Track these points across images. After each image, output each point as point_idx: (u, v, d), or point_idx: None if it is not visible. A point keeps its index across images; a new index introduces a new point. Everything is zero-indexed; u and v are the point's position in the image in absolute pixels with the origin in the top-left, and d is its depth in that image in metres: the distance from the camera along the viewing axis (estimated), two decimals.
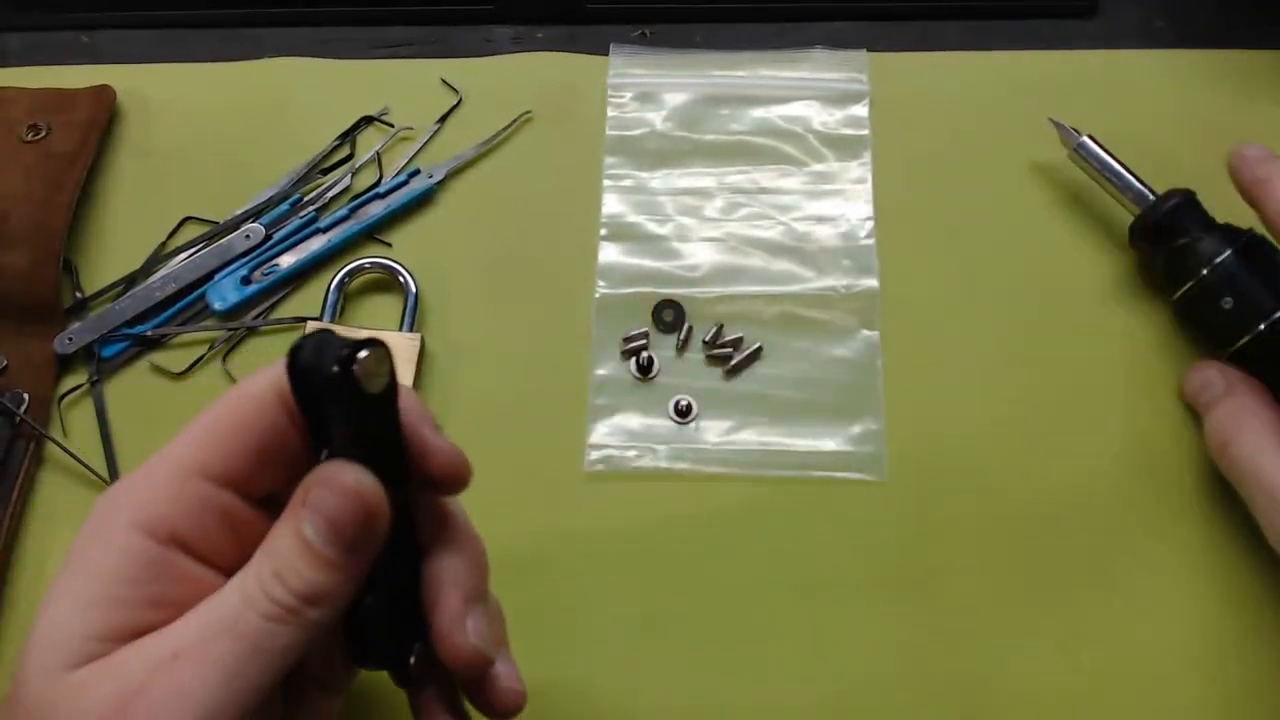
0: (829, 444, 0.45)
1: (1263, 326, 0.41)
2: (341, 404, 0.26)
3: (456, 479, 0.30)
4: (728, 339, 0.47)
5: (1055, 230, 0.49)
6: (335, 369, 0.25)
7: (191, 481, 0.28)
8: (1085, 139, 0.46)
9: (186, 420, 0.46)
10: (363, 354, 0.25)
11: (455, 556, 0.30)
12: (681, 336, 0.47)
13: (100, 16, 0.56)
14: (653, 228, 0.50)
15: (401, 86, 0.53)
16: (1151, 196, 0.45)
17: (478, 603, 0.30)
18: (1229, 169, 0.42)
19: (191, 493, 0.27)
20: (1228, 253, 0.42)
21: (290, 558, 0.26)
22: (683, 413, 0.46)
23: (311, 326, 0.47)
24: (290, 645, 0.26)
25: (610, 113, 0.53)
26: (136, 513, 0.27)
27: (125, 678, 0.25)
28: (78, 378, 0.47)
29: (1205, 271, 0.42)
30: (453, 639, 0.29)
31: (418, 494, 0.30)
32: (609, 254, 0.49)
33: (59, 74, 0.54)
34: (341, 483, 0.26)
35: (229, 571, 0.28)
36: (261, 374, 0.29)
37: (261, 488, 0.29)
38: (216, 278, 0.49)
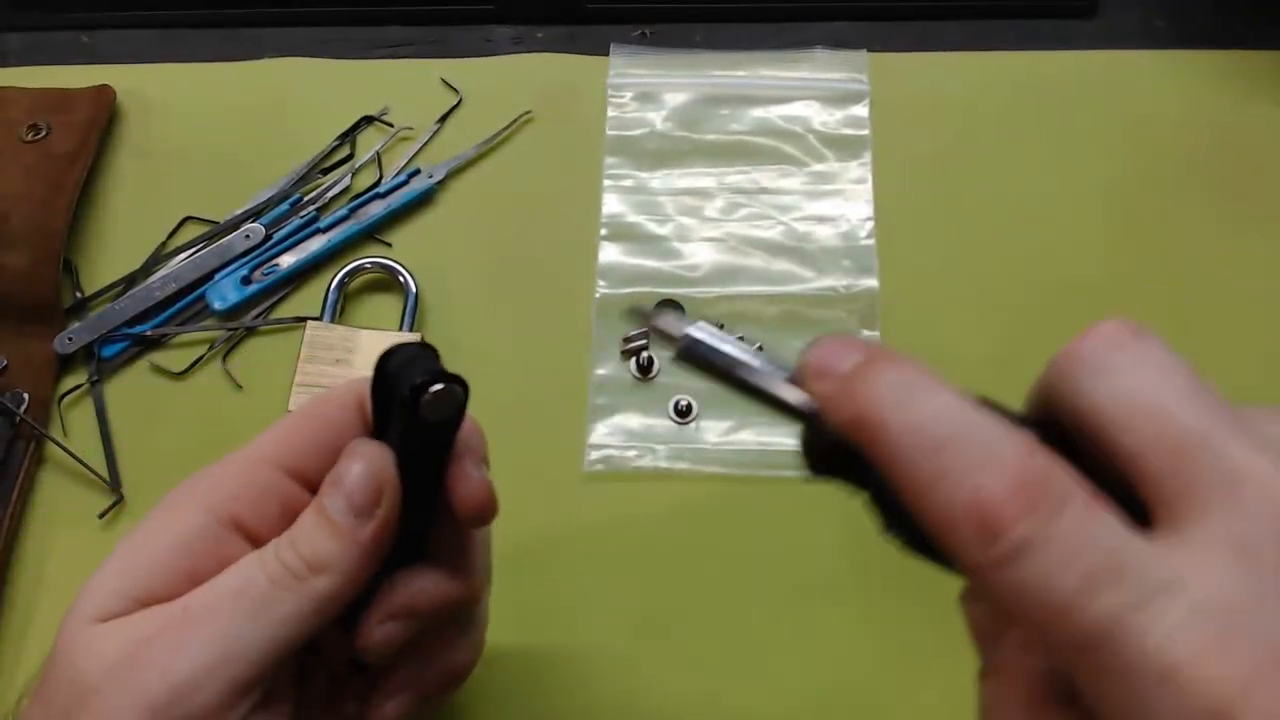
0: None
1: None
2: (403, 419, 0.28)
3: (477, 515, 0.30)
4: None
5: (1055, 229, 0.49)
6: (406, 392, 0.26)
7: (261, 468, 0.29)
8: (694, 330, 0.28)
9: (187, 420, 0.46)
10: (434, 388, 0.26)
11: (444, 574, 0.31)
12: None
13: (100, 16, 0.56)
14: (653, 228, 0.50)
15: (401, 86, 0.53)
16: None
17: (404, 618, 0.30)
18: (1045, 381, 0.26)
19: (258, 478, 0.29)
20: None
21: (305, 526, 0.27)
22: (683, 413, 0.46)
23: (312, 326, 0.47)
24: (291, 615, 0.26)
25: (610, 113, 0.52)
26: (204, 493, 0.28)
27: (138, 630, 0.26)
28: (78, 378, 0.47)
29: None
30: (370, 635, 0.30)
31: (445, 523, 0.31)
32: (609, 254, 0.49)
33: (59, 74, 0.54)
34: (357, 452, 0.28)
35: (242, 526, 0.29)
36: (347, 385, 0.30)
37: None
38: (216, 277, 0.49)
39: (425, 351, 0.28)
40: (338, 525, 0.27)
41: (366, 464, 0.27)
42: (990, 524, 0.19)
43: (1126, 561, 0.18)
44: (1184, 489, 0.19)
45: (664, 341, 0.28)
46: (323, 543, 0.27)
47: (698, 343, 0.28)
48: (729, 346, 0.28)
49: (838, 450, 0.25)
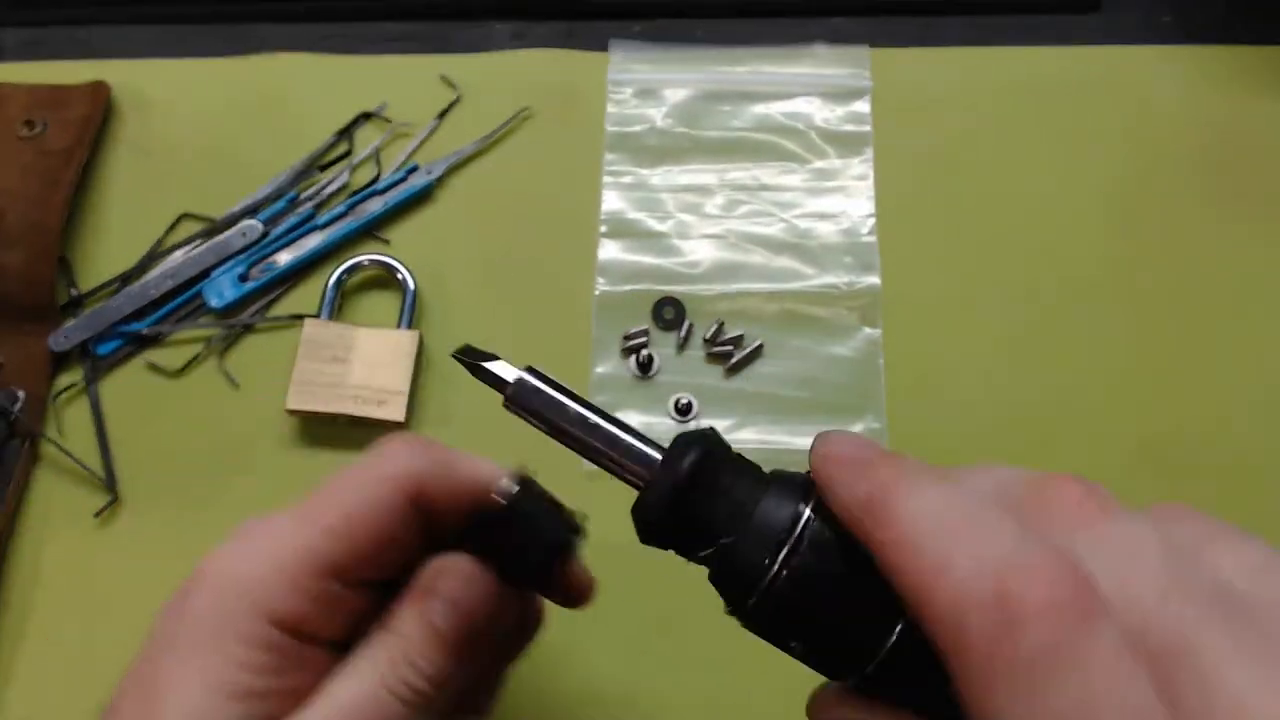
0: None
1: (894, 639, 0.21)
2: (528, 573, 0.28)
3: (584, 602, 0.32)
4: (728, 337, 0.47)
5: (1058, 225, 0.49)
6: (543, 556, 0.27)
7: (323, 579, 0.27)
8: (526, 376, 0.26)
9: (183, 418, 0.46)
10: (572, 553, 0.27)
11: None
12: (682, 334, 0.47)
13: (96, 12, 0.56)
14: (653, 225, 0.50)
15: (400, 82, 0.53)
16: (653, 454, 0.25)
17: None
18: (821, 484, 0.23)
19: (322, 589, 0.27)
20: (805, 518, 0.23)
21: (421, 644, 0.27)
22: (683, 411, 0.46)
23: (309, 324, 0.46)
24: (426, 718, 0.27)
25: (610, 109, 0.52)
26: (265, 601, 0.27)
27: None
28: (73, 375, 0.47)
29: (776, 567, 0.22)
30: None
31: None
32: (609, 251, 0.49)
33: (55, 69, 0.54)
34: (468, 573, 0.28)
35: (333, 645, 0.28)
36: (389, 463, 0.29)
37: (372, 576, 0.29)
38: (213, 275, 0.48)
39: (538, 506, 0.28)
40: (455, 645, 0.27)
41: (479, 583, 0.28)
42: (1012, 615, 0.16)
43: None
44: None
45: (493, 387, 0.26)
46: (443, 662, 0.27)
47: (529, 390, 0.26)
48: (565, 397, 0.26)
49: (674, 519, 0.24)
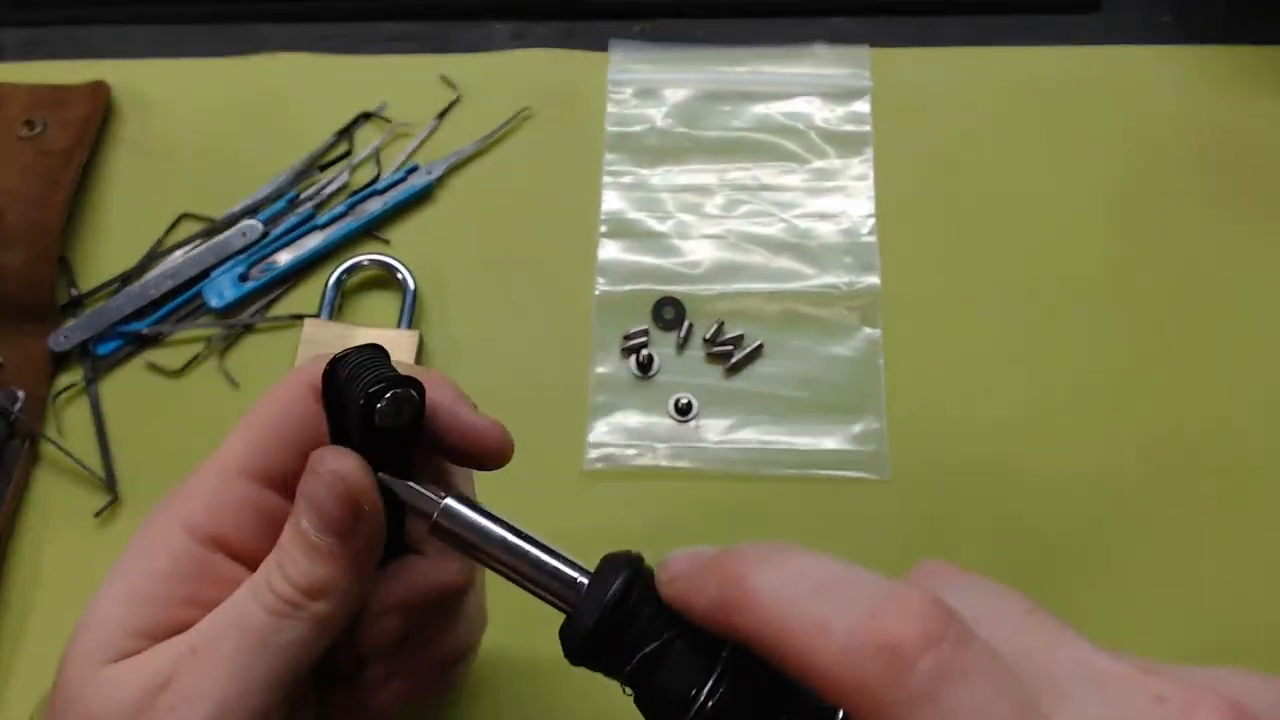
0: (830, 443, 0.45)
1: None
2: (361, 430, 0.26)
3: (498, 454, 0.29)
4: (728, 337, 0.47)
5: (1058, 225, 0.49)
6: (361, 402, 0.25)
7: (233, 482, 0.28)
8: (450, 502, 0.27)
9: (183, 418, 0.46)
10: (383, 401, 0.25)
11: (433, 565, 0.30)
12: (682, 334, 0.47)
13: (96, 12, 0.56)
14: (653, 225, 0.50)
15: (400, 82, 0.53)
16: (579, 576, 0.25)
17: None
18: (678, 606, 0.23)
19: (233, 493, 0.28)
20: (729, 647, 0.23)
21: (290, 549, 0.26)
22: (683, 411, 0.46)
23: (309, 324, 0.46)
24: (297, 640, 0.26)
25: (610, 109, 0.52)
26: (183, 514, 0.28)
27: (151, 673, 0.26)
28: (73, 375, 0.47)
29: (704, 698, 0.22)
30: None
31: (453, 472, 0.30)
32: (609, 251, 0.49)
33: (55, 69, 0.54)
34: (327, 469, 0.26)
35: (225, 545, 0.28)
36: (295, 374, 0.29)
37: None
38: (213, 274, 0.48)
39: (376, 356, 0.26)
40: (320, 548, 0.26)
41: (336, 481, 0.26)
42: (900, 654, 0.18)
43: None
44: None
45: (415, 514, 0.26)
46: (311, 567, 0.26)
47: (454, 516, 0.26)
48: (489, 522, 0.26)
49: (599, 644, 0.24)
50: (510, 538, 0.26)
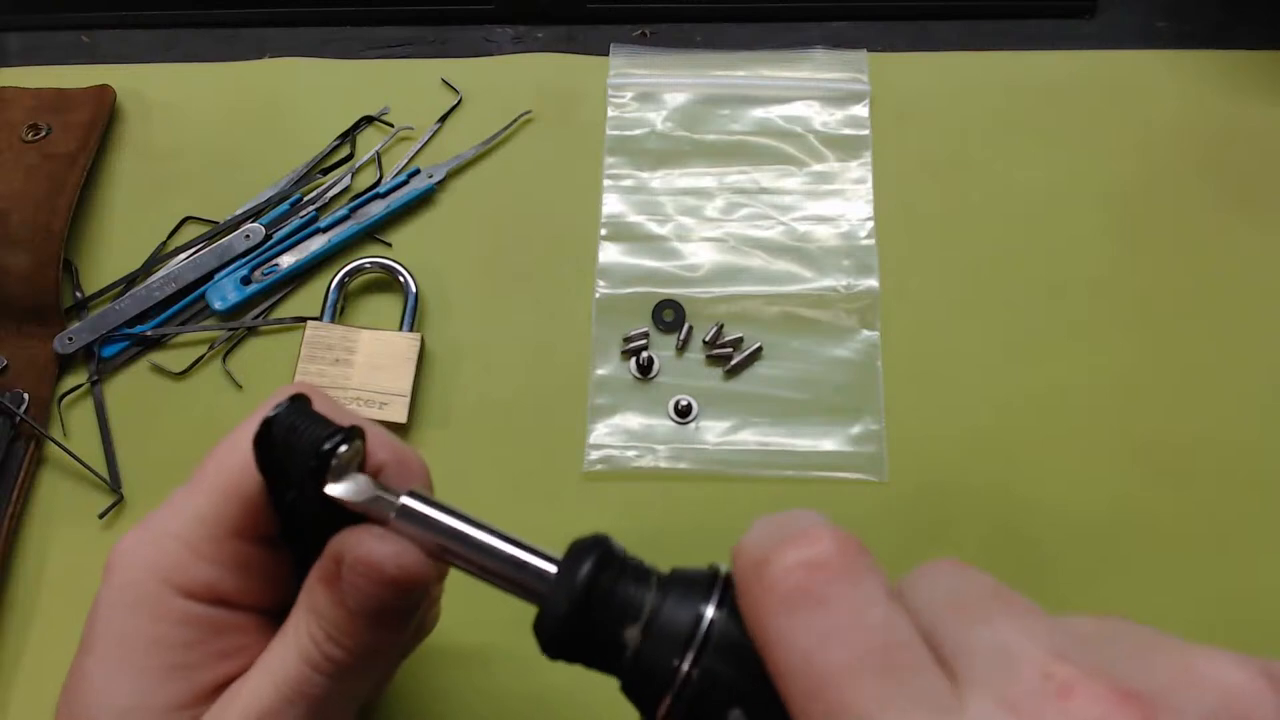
0: (829, 444, 0.45)
1: None
2: (312, 489, 0.25)
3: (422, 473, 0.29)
4: (728, 339, 0.47)
5: (1055, 229, 0.49)
6: (313, 464, 0.24)
7: (225, 541, 0.27)
8: (406, 500, 0.25)
9: (187, 420, 0.46)
10: (341, 450, 0.25)
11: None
12: (681, 336, 0.47)
13: (100, 16, 0.56)
14: (653, 228, 0.50)
15: (401, 86, 0.53)
16: (548, 566, 0.24)
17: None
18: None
19: (227, 551, 0.27)
20: (709, 617, 0.22)
21: (340, 622, 0.26)
22: (683, 413, 0.46)
23: (311, 326, 0.47)
24: (358, 694, 0.28)
25: (610, 113, 0.52)
26: (172, 575, 0.27)
27: None
28: (78, 378, 0.47)
29: (688, 668, 0.22)
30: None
31: None
32: (609, 254, 0.49)
33: (59, 74, 0.54)
34: (379, 570, 0.25)
35: (255, 606, 0.28)
36: (250, 425, 0.28)
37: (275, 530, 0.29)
38: (216, 278, 0.49)
39: (297, 417, 0.25)
40: (373, 619, 0.26)
41: (374, 571, 0.25)
42: (766, 566, 0.20)
43: None
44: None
45: (370, 519, 0.25)
46: (366, 633, 0.26)
47: (412, 515, 0.25)
48: (451, 517, 0.25)
49: (575, 632, 0.23)
50: (476, 532, 0.25)
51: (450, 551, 0.25)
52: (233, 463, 0.27)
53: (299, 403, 0.26)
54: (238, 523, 0.27)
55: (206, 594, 0.27)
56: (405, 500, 0.25)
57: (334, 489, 0.25)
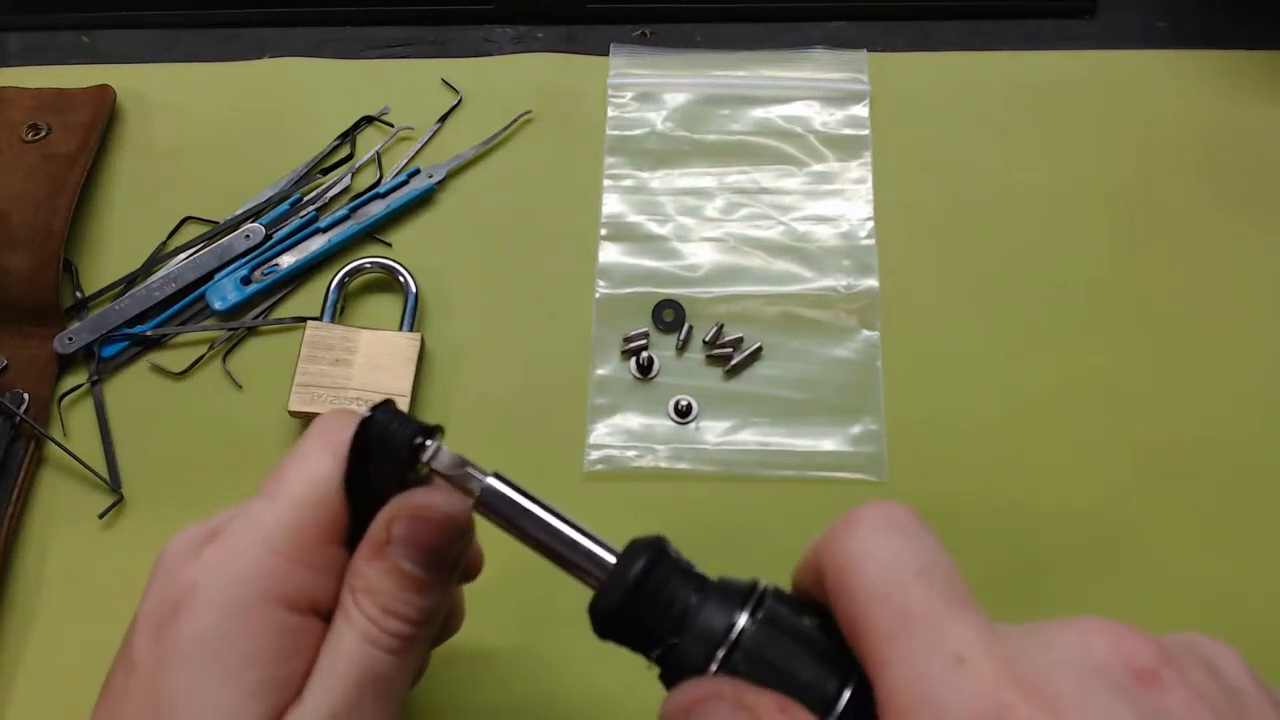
0: (829, 444, 0.45)
1: None
2: (401, 475, 0.28)
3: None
4: (728, 339, 0.47)
5: (1055, 229, 0.49)
6: (415, 441, 0.28)
7: (317, 547, 0.28)
8: (492, 481, 0.28)
9: (187, 420, 0.46)
10: (428, 447, 0.28)
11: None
12: (681, 336, 0.47)
13: (100, 16, 0.56)
14: (653, 228, 0.50)
15: (401, 86, 0.53)
16: (608, 556, 0.27)
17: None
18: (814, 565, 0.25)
19: (320, 557, 0.28)
20: (741, 625, 0.24)
21: (392, 590, 0.28)
22: (683, 413, 0.46)
23: (311, 326, 0.47)
24: (414, 667, 0.29)
25: (610, 113, 0.53)
26: (274, 587, 0.27)
27: None
28: (78, 378, 0.47)
29: (715, 668, 0.24)
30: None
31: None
32: (609, 254, 0.49)
33: (59, 74, 0.54)
34: (429, 510, 0.28)
35: (318, 607, 0.28)
36: (330, 430, 0.29)
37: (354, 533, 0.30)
38: (216, 278, 0.49)
39: (392, 410, 0.29)
40: (425, 582, 0.28)
41: (443, 518, 0.28)
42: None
43: None
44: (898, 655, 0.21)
45: (461, 490, 0.28)
46: (420, 599, 0.28)
47: (497, 495, 0.28)
48: (529, 501, 0.28)
49: (625, 619, 0.25)
50: (548, 516, 0.28)
51: (527, 531, 0.28)
52: (308, 473, 0.28)
53: (389, 405, 0.29)
54: (325, 528, 0.28)
55: (306, 603, 0.27)
56: (491, 480, 0.28)
57: (436, 463, 0.28)
